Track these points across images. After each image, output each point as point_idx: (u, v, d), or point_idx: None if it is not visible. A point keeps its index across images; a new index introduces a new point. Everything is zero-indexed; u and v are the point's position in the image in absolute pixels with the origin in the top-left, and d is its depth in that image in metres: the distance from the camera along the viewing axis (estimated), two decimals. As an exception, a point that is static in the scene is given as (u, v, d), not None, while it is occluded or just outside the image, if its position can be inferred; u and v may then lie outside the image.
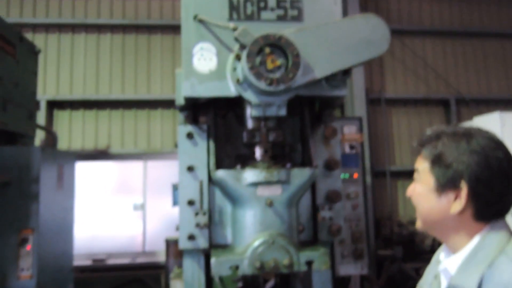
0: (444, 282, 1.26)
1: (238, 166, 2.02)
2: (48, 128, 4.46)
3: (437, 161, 1.19)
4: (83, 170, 4.89)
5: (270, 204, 1.92)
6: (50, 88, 5.14)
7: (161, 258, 4.93)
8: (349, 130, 2.57)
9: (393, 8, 5.92)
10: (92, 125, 5.18)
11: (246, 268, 1.85)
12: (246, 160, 2.09)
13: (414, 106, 5.86)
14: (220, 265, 1.86)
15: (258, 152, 2.06)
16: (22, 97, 3.44)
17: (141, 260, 4.94)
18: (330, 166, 2.30)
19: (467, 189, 1.13)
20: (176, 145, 2.30)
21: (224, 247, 2.13)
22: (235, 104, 2.19)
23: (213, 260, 1.89)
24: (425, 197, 1.23)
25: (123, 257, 5.00)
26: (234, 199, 2.04)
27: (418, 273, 4.25)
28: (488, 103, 5.81)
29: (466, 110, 5.75)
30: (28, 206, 2.94)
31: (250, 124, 2.09)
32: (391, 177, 5.57)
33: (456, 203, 1.16)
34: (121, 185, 5.27)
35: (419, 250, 4.99)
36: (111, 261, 4.88)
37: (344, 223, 2.35)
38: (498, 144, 1.17)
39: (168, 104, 5.30)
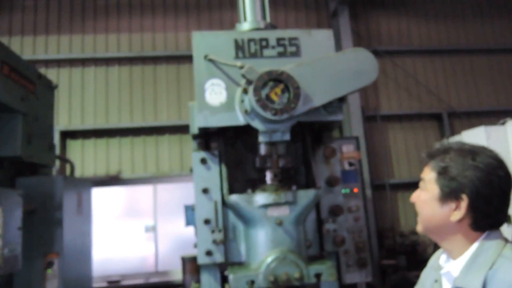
0: (447, 285, 1.35)
1: (249, 190, 2.23)
2: (66, 158, 4.71)
3: (443, 173, 1.31)
4: (96, 195, 5.10)
5: (279, 223, 2.13)
6: (63, 119, 5.41)
7: (174, 277, 5.10)
8: (347, 149, 2.80)
9: (384, 31, 6.26)
10: (103, 152, 5.44)
11: (261, 282, 2.04)
12: (255, 184, 2.31)
13: (409, 121, 6.13)
14: (237, 280, 2.06)
15: (268, 176, 2.29)
16: (42, 130, 3.67)
17: (154, 279, 5.11)
18: (331, 183, 2.54)
19: (467, 201, 1.25)
20: (191, 170, 2.54)
21: (239, 264, 2.34)
22: (243, 132, 2.44)
23: (231, 277, 2.08)
24: (428, 204, 1.34)
25: (137, 277, 5.17)
26: (246, 220, 2.26)
27: (421, 281, 4.41)
28: (479, 115, 6.08)
29: (458, 123, 6.02)
30: (53, 231, 3.13)
31: (262, 150, 2.33)
32: (391, 190, 5.79)
33: (456, 212, 1.27)
34: (132, 208, 5.49)
35: (422, 258, 5.16)
36: (126, 282, 5.05)
37: (347, 234, 2.57)
38: (500, 163, 1.28)
39: (174, 129, 5.57)
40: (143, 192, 5.50)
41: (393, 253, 5.12)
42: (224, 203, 2.39)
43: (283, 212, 2.14)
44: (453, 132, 5.80)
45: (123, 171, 5.40)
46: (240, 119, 2.23)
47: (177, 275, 5.05)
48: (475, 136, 3.22)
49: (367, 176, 5.37)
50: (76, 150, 5.40)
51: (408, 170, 5.96)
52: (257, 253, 2.16)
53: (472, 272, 1.25)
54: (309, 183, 2.47)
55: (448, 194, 1.29)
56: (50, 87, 4.02)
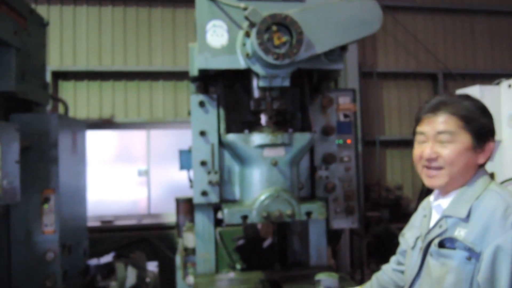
0: (435, 216, 1.49)
1: (246, 131, 2.30)
2: (60, 98, 4.66)
3: (470, 121, 1.37)
4: (89, 138, 5.11)
5: (275, 163, 2.22)
6: (54, 59, 5.27)
7: (165, 219, 5.27)
8: (344, 100, 2.83)
9: (387, -16, 6.09)
10: (96, 95, 5.37)
11: (254, 218, 2.15)
12: (252, 126, 2.36)
13: (404, 79, 6.14)
14: (232, 215, 2.16)
15: (263, 118, 2.33)
16: (35, 67, 3.61)
17: (146, 221, 5.28)
18: (326, 132, 2.60)
19: (492, 143, 1.41)
20: (189, 113, 2.56)
21: (233, 202, 2.44)
22: (242, 76, 2.44)
23: (225, 211, 2.18)
24: (463, 154, 1.38)
25: (129, 219, 5.34)
26: (242, 160, 2.33)
27: (403, 232, 4.66)
28: (474, 77, 6.10)
29: (452, 84, 6.06)
30: (49, 168, 3.16)
31: (256, 93, 2.35)
32: (380, 146, 5.92)
33: (482, 155, 1.41)
34: (125, 152, 5.54)
35: (405, 212, 5.44)
36: (119, 222, 5.21)
37: (338, 182, 2.68)
38: None
39: (169, 75, 5.49)
40: (137, 137, 5.53)
41: (377, 206, 5.37)
42: (221, 144, 2.45)
43: (279, 153, 2.21)
44: (446, 92, 5.86)
45: (116, 115, 5.37)
46: (241, 63, 2.24)
47: (169, 218, 5.22)
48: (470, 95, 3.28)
49: (359, 132, 5.47)
50: (69, 92, 5.32)
51: (398, 128, 6.07)
52: (251, 191, 2.25)
53: (460, 203, 1.39)
54: (305, 128, 2.52)
55: (480, 140, 1.39)
56: (41, 24, 3.89)
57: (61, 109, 4.94)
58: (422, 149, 1.45)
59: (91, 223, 4.94)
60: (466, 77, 6.11)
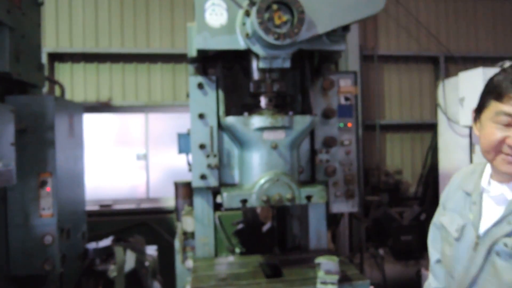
0: (493, 206, 1.30)
1: (246, 113, 2.25)
2: (56, 80, 4.58)
3: None
4: (87, 122, 5.07)
5: (275, 147, 2.18)
6: (50, 41, 5.18)
7: (164, 204, 5.26)
8: (345, 83, 2.78)
9: (389, -36, 5.96)
10: (93, 77, 5.29)
11: (254, 201, 2.12)
12: (251, 109, 2.31)
13: (405, 63, 6.06)
14: (231, 198, 2.14)
15: (263, 101, 2.28)
16: (30, 48, 3.53)
17: (145, 205, 5.27)
18: (327, 114, 2.55)
19: None
20: (187, 95, 2.51)
21: (232, 186, 2.41)
22: (241, 58, 2.38)
23: (224, 195, 2.16)
24: None
25: (128, 203, 5.33)
26: (242, 143, 2.29)
27: (402, 216, 4.68)
28: (475, 61, 6.03)
29: (453, 67, 5.98)
30: (45, 151, 3.11)
31: (256, 75, 2.30)
32: (380, 130, 5.88)
33: None
34: (123, 136, 5.49)
35: (404, 197, 5.45)
36: (117, 207, 5.21)
37: (338, 166, 2.65)
38: None
39: (167, 58, 5.39)
40: (135, 120, 5.47)
41: (377, 190, 5.37)
42: (220, 127, 2.41)
43: (279, 136, 2.17)
44: (447, 76, 5.80)
45: (114, 98, 5.31)
46: (240, 43, 2.18)
47: (167, 202, 5.21)
48: (472, 77, 3.22)
49: (360, 115, 5.43)
50: (65, 74, 5.24)
51: (399, 112, 6.02)
52: (251, 175, 2.22)
53: None
54: (305, 111, 2.48)
55: None
56: (36, 3, 3.79)
57: (57, 92, 4.87)
58: (506, 135, 1.21)
59: (89, 207, 4.93)
60: (468, 60, 6.04)
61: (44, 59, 4.93)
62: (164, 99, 5.39)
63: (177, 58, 5.38)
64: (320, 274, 1.94)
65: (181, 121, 4.82)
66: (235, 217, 2.97)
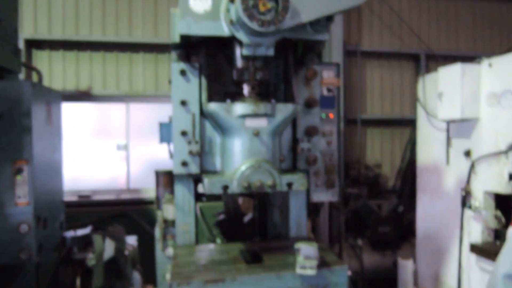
0: None
1: (228, 101, 2.25)
2: (33, 66, 4.46)
3: None
4: (66, 111, 4.96)
5: (256, 134, 2.18)
6: (28, 27, 5.03)
7: (145, 194, 5.21)
8: (328, 75, 2.80)
9: (374, -39, 6.03)
10: (72, 66, 5.17)
11: (235, 188, 2.12)
12: (234, 97, 2.31)
13: (387, 59, 6.18)
14: (212, 184, 2.13)
15: (246, 89, 2.28)
16: (6, 32, 3.42)
17: (125, 196, 5.20)
18: (310, 104, 2.57)
19: None
20: (169, 81, 2.48)
21: (213, 173, 2.41)
22: (225, 46, 2.37)
23: (205, 180, 2.15)
24: None
25: (108, 194, 5.25)
26: (224, 130, 2.29)
27: (380, 208, 4.78)
28: (455, 59, 6.11)
29: (434, 65, 6.12)
30: (21, 138, 3.04)
31: (239, 63, 2.29)
32: (362, 125, 5.97)
33: None
34: (103, 126, 5.40)
35: (383, 189, 5.57)
36: (97, 197, 5.12)
37: (320, 155, 2.67)
38: None
39: (150, 48, 5.33)
40: (115, 110, 5.38)
41: (357, 183, 5.47)
42: (202, 114, 2.39)
43: (261, 123, 2.18)
44: (428, 72, 5.92)
45: (94, 87, 5.21)
46: (224, 30, 2.16)
47: (148, 193, 5.16)
48: (451, 73, 3.30)
49: (342, 109, 5.49)
50: (43, 62, 5.10)
51: (380, 108, 6.13)
52: (232, 162, 2.22)
53: None
54: (288, 100, 2.49)
55: None
56: (13, -14, 3.68)
57: (35, 79, 4.74)
58: None
59: (68, 198, 4.84)
60: (448, 58, 6.18)
61: (22, 46, 4.79)
62: (146, 89, 5.32)
63: (160, 48, 5.31)
64: (300, 259, 1.96)
65: (163, 111, 4.77)
66: (217, 209, 2.96)
